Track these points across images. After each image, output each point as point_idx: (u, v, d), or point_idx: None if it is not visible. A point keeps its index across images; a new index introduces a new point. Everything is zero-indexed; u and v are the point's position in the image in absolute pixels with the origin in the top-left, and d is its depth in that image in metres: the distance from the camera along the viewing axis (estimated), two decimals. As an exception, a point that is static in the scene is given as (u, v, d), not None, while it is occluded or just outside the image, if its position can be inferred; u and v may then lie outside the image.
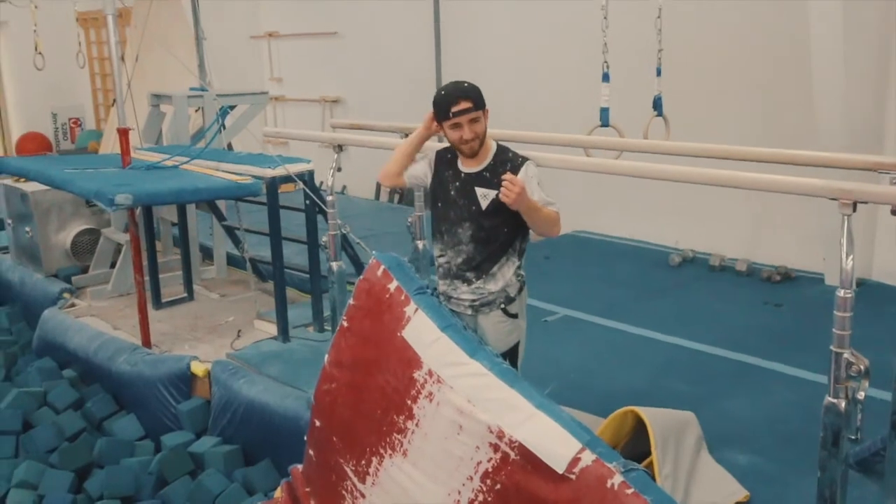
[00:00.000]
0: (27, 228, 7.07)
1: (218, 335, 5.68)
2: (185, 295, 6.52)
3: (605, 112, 5.39)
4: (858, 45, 5.53)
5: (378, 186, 10.34)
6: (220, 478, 4.34)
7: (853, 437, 2.70)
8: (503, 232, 3.30)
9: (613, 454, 2.65)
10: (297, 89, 11.29)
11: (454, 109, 3.16)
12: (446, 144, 3.43)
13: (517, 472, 2.82)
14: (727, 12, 6.67)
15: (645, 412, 3.45)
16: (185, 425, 4.85)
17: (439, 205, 3.43)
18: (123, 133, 5.83)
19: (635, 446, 3.49)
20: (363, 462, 3.39)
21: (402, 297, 3.27)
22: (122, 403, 5.25)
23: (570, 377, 4.60)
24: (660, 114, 5.47)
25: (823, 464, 2.74)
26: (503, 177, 3.10)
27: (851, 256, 2.62)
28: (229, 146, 7.03)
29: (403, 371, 3.22)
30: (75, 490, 4.45)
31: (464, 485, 2.97)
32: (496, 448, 2.88)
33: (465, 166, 3.33)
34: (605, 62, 5.35)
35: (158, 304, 6.29)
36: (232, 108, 6.98)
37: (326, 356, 3.61)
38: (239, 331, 5.67)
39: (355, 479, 3.44)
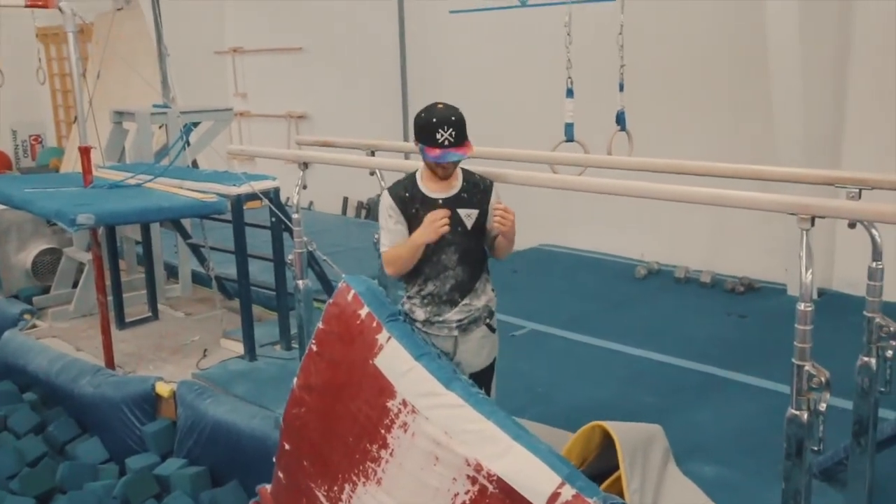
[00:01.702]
0: (-14, 249, 6.96)
1: (183, 355, 5.62)
2: (150, 314, 6.45)
3: (569, 127, 5.44)
4: (816, 61, 5.63)
5: (345, 201, 10.32)
6: (186, 500, 4.29)
7: (816, 449, 2.74)
8: (482, 249, 3.33)
9: (593, 488, 2.68)
10: (262, 105, 11.24)
11: (440, 140, 3.08)
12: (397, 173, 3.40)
13: None
14: (689, 29, 6.77)
15: (612, 427, 3.46)
16: (151, 447, 4.79)
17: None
18: (85, 151, 5.78)
19: (604, 461, 3.50)
20: (335, 488, 3.37)
21: (374, 324, 3.23)
22: (85, 426, 5.18)
23: (538, 391, 4.61)
24: (623, 129, 5.53)
25: (788, 474, 2.77)
26: (496, 207, 3.18)
27: (811, 270, 2.66)
28: (194, 163, 6.99)
29: (376, 399, 3.19)
30: (37, 516, 4.37)
31: None
32: (474, 481, 2.87)
33: (438, 192, 3.22)
34: (569, 78, 5.40)
35: (122, 324, 6.21)
36: (196, 124, 6.94)
37: (295, 379, 3.57)
38: (205, 350, 5.62)
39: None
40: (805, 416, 2.69)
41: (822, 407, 2.68)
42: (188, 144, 6.54)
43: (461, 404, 2.98)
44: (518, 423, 2.96)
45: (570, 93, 5.45)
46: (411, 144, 3.51)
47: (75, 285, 6.71)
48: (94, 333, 5.70)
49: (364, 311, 3.27)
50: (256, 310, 5.70)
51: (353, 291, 3.33)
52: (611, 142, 5.38)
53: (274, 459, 3.75)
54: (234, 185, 5.36)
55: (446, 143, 3.06)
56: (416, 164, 3.45)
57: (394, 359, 3.16)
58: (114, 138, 7.32)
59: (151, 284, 6.48)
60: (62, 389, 5.31)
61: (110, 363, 5.40)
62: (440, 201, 3.22)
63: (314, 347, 3.46)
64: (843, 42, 5.78)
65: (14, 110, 14.16)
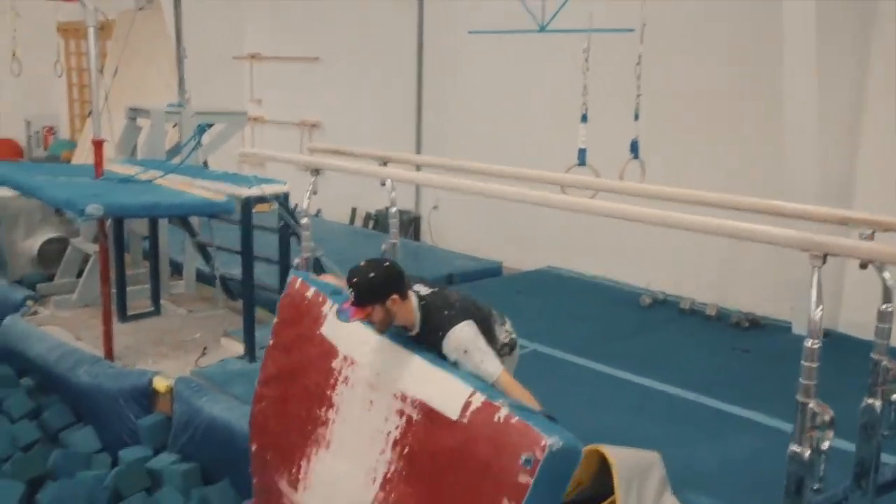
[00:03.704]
0: (-6, 233, 6.97)
1: (183, 351, 5.58)
2: (152, 309, 6.42)
3: (582, 152, 5.46)
4: (832, 99, 5.60)
5: (353, 211, 10.32)
6: (177, 496, 4.28)
7: (816, 487, 2.72)
8: None
9: (499, 394, 2.88)
10: (276, 111, 11.26)
11: (347, 293, 3.07)
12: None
13: (420, 431, 3.02)
14: (705, 62, 6.78)
15: (610, 451, 3.43)
16: (144, 441, 4.78)
17: None
18: (98, 144, 5.77)
19: (600, 484, 3.47)
20: (294, 469, 3.51)
21: (320, 299, 3.60)
22: (80, 415, 5.16)
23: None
24: (636, 156, 5.54)
25: (786, 511, 2.75)
26: None
27: (820, 307, 2.65)
28: (205, 164, 6.99)
29: (323, 365, 3.46)
30: (26, 501, 4.38)
31: (377, 460, 3.14)
32: (401, 413, 3.09)
33: (404, 327, 3.23)
34: (584, 104, 5.42)
35: (124, 316, 6.18)
36: (210, 125, 6.94)
37: (257, 378, 3.82)
38: (204, 348, 5.58)
39: (289, 492, 3.53)
40: (807, 453, 2.67)
41: (825, 445, 2.66)
42: (200, 145, 6.55)
43: (389, 345, 3.24)
44: (434, 355, 3.15)
45: (584, 118, 5.47)
46: (424, 157, 3.52)
47: (79, 275, 6.68)
48: (96, 324, 5.67)
49: (311, 292, 3.64)
50: (259, 312, 5.66)
51: (300, 280, 3.74)
52: (623, 168, 5.39)
53: (251, 470, 3.82)
54: (245, 186, 5.35)
55: (350, 298, 3.04)
56: (427, 176, 3.45)
57: (336, 322, 3.42)
58: (127, 134, 7.32)
59: (155, 279, 6.46)
60: (59, 377, 5.30)
61: (109, 354, 5.38)
62: (405, 332, 3.23)
63: (271, 341, 3.78)
64: (859, 80, 5.76)
65: (29, 101, 14.20)
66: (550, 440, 2.60)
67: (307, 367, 3.55)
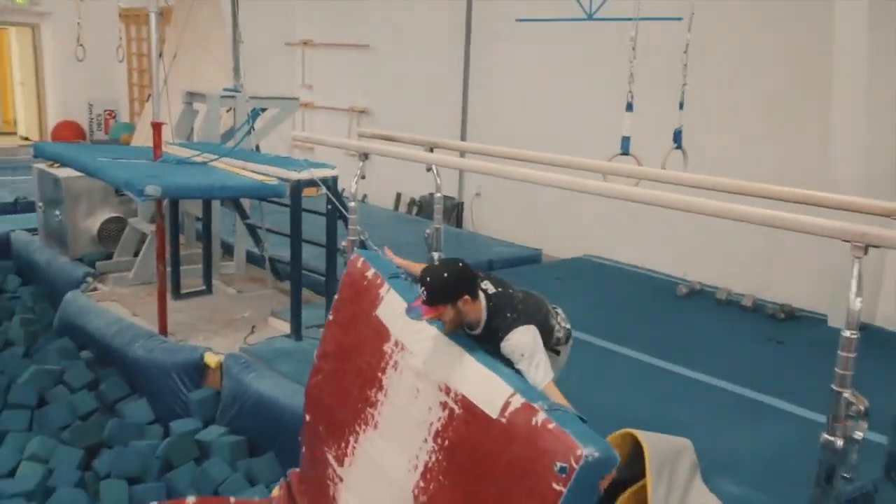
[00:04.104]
0: (57, 212, 7.14)
1: (232, 329, 5.69)
2: (204, 288, 6.55)
3: (626, 141, 5.42)
4: (880, 93, 5.51)
5: (398, 197, 10.38)
6: (224, 466, 4.36)
7: (847, 476, 2.70)
8: None
9: (539, 395, 2.86)
10: (326, 97, 11.36)
11: (419, 291, 3.01)
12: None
13: (461, 426, 3.01)
14: (753, 51, 6.69)
15: (642, 435, 3.43)
16: (195, 413, 4.87)
17: None
18: (157, 127, 5.87)
19: (631, 468, 3.47)
20: (342, 444, 3.52)
21: (378, 281, 3.56)
22: (134, 387, 5.27)
23: (570, 396, 4.58)
24: (679, 146, 5.48)
25: (816, 500, 2.74)
26: None
27: (860, 298, 2.63)
28: (257, 147, 7.08)
29: (376, 346, 3.44)
30: (84, 467, 4.48)
31: (420, 448, 3.13)
32: (444, 405, 3.07)
33: (468, 327, 3.22)
34: (630, 92, 5.37)
35: (177, 294, 6.32)
36: (263, 110, 7.03)
37: (315, 351, 3.82)
38: (253, 326, 5.68)
39: (335, 465, 3.55)
40: (840, 442, 2.66)
41: (858, 435, 2.64)
42: (253, 129, 6.64)
43: (438, 336, 3.21)
44: (481, 349, 3.15)
45: (629, 107, 5.43)
46: (469, 144, 3.54)
47: (136, 254, 6.83)
48: (151, 301, 5.81)
49: (371, 272, 3.62)
50: (305, 293, 5.75)
51: (361, 259, 3.72)
52: (665, 158, 5.34)
53: (300, 438, 3.85)
54: (295, 170, 5.41)
55: (422, 297, 2.98)
56: (472, 162, 3.47)
57: (391, 306, 3.43)
58: (183, 118, 7.45)
59: (208, 260, 6.58)
60: (117, 351, 5.42)
61: (163, 330, 5.49)
62: (467, 332, 3.21)
63: (331, 317, 3.79)
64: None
65: (92, 86, 14.52)
66: (586, 450, 2.56)
67: (361, 347, 3.56)
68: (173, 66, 7.11)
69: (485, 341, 3.17)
